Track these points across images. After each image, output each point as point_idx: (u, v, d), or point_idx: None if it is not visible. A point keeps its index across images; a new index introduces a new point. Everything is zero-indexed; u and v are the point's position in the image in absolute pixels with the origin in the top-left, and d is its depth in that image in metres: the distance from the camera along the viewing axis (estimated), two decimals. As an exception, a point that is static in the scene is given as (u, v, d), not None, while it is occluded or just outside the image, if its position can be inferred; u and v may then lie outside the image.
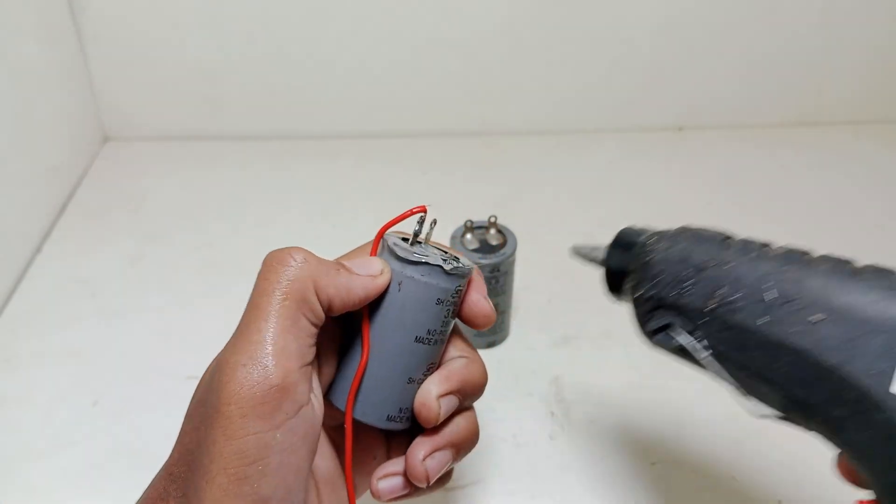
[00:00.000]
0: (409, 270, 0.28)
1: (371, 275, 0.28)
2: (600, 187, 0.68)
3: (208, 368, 0.28)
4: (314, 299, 0.27)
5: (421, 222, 0.30)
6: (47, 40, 0.63)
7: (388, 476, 0.31)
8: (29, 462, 0.44)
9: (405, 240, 0.30)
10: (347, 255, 0.31)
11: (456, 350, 0.31)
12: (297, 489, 0.26)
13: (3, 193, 0.56)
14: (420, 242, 0.30)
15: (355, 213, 0.64)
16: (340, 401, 0.30)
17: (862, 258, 0.64)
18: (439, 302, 0.29)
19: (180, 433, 0.27)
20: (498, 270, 0.47)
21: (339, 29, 0.68)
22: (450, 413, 0.30)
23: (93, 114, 0.71)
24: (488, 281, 0.47)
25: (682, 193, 0.67)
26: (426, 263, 0.28)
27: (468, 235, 0.48)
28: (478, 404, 0.48)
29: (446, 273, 0.28)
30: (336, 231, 0.62)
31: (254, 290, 0.27)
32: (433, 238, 0.31)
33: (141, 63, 0.70)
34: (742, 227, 0.62)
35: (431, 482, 0.30)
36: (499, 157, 0.72)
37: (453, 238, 0.49)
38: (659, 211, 0.65)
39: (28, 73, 0.61)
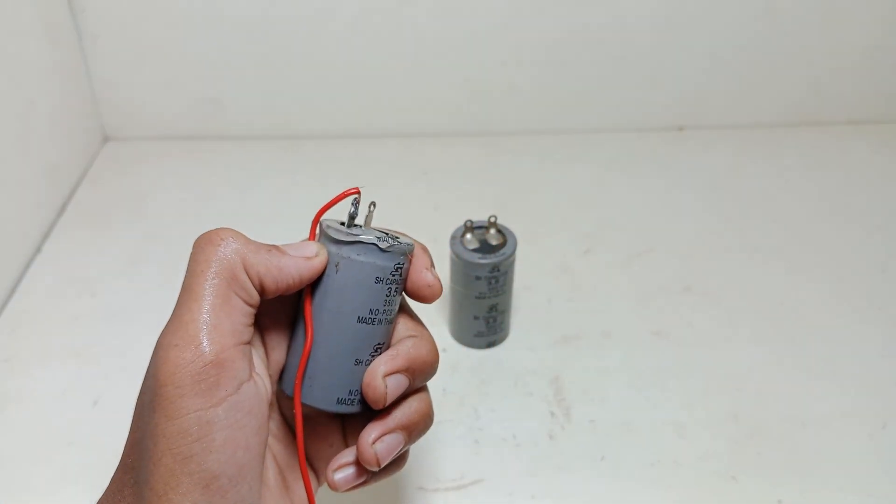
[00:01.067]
0: (345, 251, 0.29)
1: (305, 256, 0.29)
2: (600, 187, 0.68)
3: None
4: (244, 277, 0.27)
5: (355, 204, 0.30)
6: (47, 40, 0.63)
7: (342, 467, 0.30)
8: (29, 462, 0.44)
9: (343, 224, 0.30)
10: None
11: (405, 329, 0.31)
12: (250, 467, 0.26)
13: (2, 193, 0.57)
14: (359, 226, 0.30)
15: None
16: (289, 387, 0.30)
17: (862, 258, 0.64)
18: (378, 280, 0.29)
19: (131, 425, 0.28)
20: (498, 270, 0.47)
21: (339, 29, 0.68)
22: (399, 393, 0.29)
23: (93, 113, 0.71)
24: (488, 281, 0.47)
25: (681, 193, 0.67)
26: (360, 242, 0.28)
27: (468, 235, 0.48)
28: (477, 404, 0.48)
29: (382, 251, 0.29)
30: (336, 231, 0.62)
31: (186, 272, 0.27)
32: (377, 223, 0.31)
33: (141, 62, 0.70)
34: (741, 227, 0.63)
35: (381, 465, 0.29)
36: (499, 157, 0.72)
37: (453, 238, 0.49)
38: (658, 211, 0.65)
39: (28, 72, 0.61)
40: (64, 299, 0.56)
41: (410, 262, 0.30)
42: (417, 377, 0.30)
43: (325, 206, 0.30)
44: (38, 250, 0.60)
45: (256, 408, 0.27)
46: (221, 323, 0.26)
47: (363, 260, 0.29)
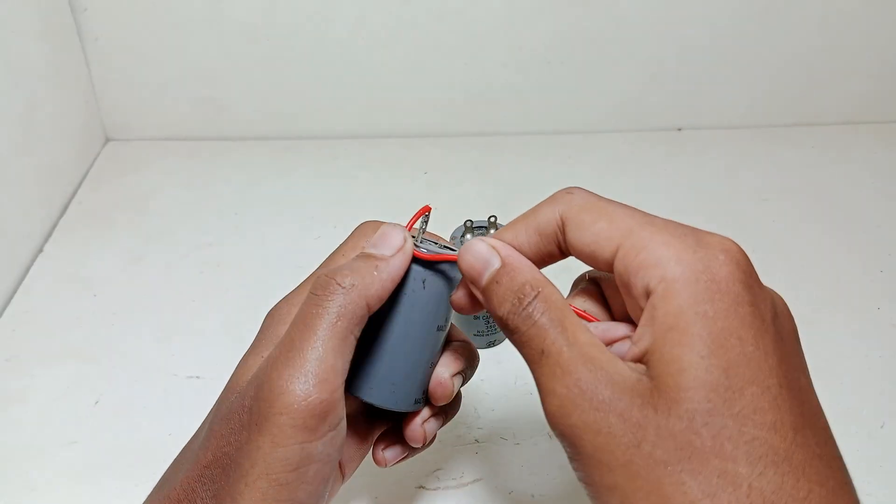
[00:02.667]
0: (433, 267, 0.31)
1: (399, 248, 0.30)
2: (600, 187, 0.67)
3: (237, 373, 0.29)
4: (365, 314, 0.29)
5: (425, 220, 0.32)
6: (48, 41, 0.64)
7: (389, 446, 0.34)
8: (30, 461, 0.44)
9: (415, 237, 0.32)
10: (332, 258, 0.32)
11: (455, 333, 0.34)
12: (324, 495, 0.28)
13: (4, 193, 0.57)
14: (426, 240, 0.32)
15: (356, 214, 0.64)
16: (374, 394, 0.31)
17: (861, 258, 0.64)
18: (450, 289, 0.32)
19: (211, 435, 0.28)
20: (498, 270, 0.47)
21: (340, 30, 0.68)
22: (458, 388, 0.33)
23: (94, 114, 0.71)
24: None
25: (681, 194, 0.67)
26: (445, 260, 0.31)
27: (468, 235, 0.48)
28: (477, 403, 0.48)
29: (453, 265, 0.31)
30: (337, 231, 0.61)
31: (305, 309, 0.28)
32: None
33: (142, 64, 0.70)
34: (741, 227, 0.63)
35: (427, 443, 0.33)
36: (499, 157, 0.72)
37: (453, 238, 0.49)
38: (658, 211, 0.65)
39: (29, 73, 0.61)
40: (65, 299, 0.56)
41: None
42: (468, 373, 0.34)
43: (409, 223, 0.32)
44: (39, 250, 0.60)
45: (342, 443, 0.29)
46: (337, 363, 0.27)
47: (450, 275, 0.31)
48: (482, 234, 0.49)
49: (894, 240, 0.61)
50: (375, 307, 0.29)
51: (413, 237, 0.31)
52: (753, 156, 0.72)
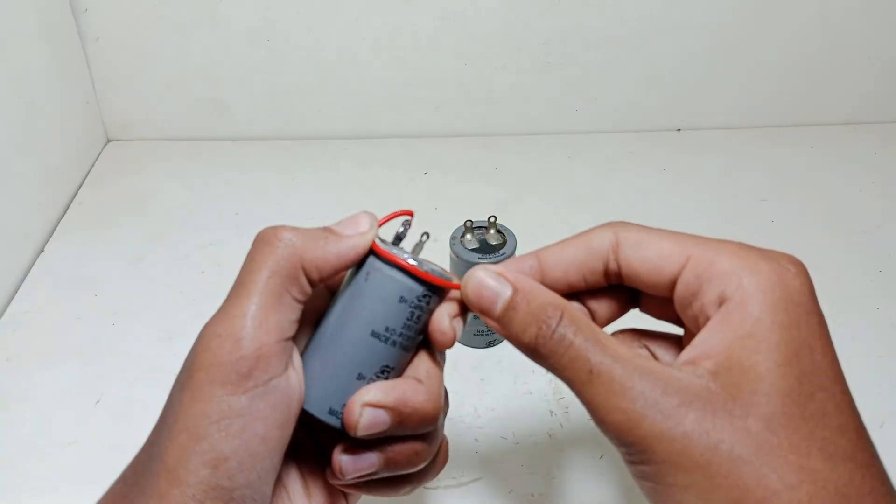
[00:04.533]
0: (381, 262, 0.28)
1: (360, 232, 0.29)
2: (599, 188, 0.68)
3: None
4: (302, 277, 0.28)
5: (405, 225, 0.30)
6: (49, 42, 0.64)
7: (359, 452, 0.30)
8: (31, 461, 0.44)
9: (391, 242, 0.30)
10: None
11: (416, 370, 0.30)
12: (264, 458, 0.26)
13: (5, 194, 0.57)
14: (402, 249, 0.29)
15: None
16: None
17: (861, 258, 0.64)
18: (403, 300, 0.28)
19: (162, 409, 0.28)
20: (497, 270, 0.47)
21: (340, 31, 0.68)
22: (374, 430, 0.28)
23: (95, 115, 0.72)
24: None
25: (680, 194, 0.67)
26: (398, 258, 0.28)
27: (468, 235, 0.48)
28: (477, 403, 0.48)
29: (413, 274, 0.28)
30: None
31: (242, 267, 0.28)
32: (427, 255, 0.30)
33: (142, 64, 0.70)
34: (740, 227, 0.63)
35: (344, 479, 0.29)
36: (499, 157, 0.72)
37: (453, 238, 0.49)
38: (657, 211, 0.65)
39: (30, 74, 0.61)
40: (66, 299, 0.56)
41: (442, 300, 0.29)
42: (405, 423, 0.28)
43: (381, 221, 0.30)
44: (40, 250, 0.60)
45: (284, 403, 0.27)
46: (268, 320, 0.27)
47: (393, 275, 0.28)
48: (482, 234, 0.49)
49: (894, 240, 0.61)
50: (314, 277, 0.28)
51: (408, 252, 0.29)
52: (753, 156, 0.72)
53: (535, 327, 0.27)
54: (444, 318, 0.29)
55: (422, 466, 0.30)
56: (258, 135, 0.74)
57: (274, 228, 0.28)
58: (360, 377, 0.29)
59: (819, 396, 0.24)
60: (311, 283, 0.28)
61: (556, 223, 0.63)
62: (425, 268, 0.28)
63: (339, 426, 0.29)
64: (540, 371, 0.50)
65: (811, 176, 0.69)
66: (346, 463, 0.28)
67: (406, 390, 0.28)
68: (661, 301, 0.30)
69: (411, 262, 0.28)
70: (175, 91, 0.71)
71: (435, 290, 0.29)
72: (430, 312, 0.29)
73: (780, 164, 0.71)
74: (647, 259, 0.28)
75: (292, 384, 0.28)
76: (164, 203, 0.66)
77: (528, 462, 0.44)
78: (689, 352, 0.26)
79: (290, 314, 0.27)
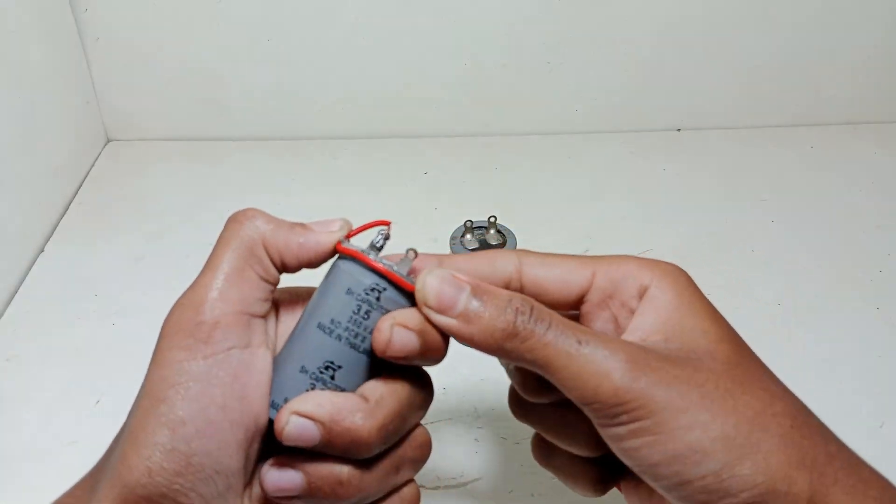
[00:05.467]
0: (338, 258, 0.30)
1: (329, 230, 0.30)
2: (599, 188, 0.68)
3: None
4: (262, 253, 0.29)
5: (383, 236, 0.30)
6: (49, 42, 0.64)
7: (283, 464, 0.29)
8: (31, 461, 0.44)
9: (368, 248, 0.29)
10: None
11: (369, 390, 0.28)
12: (223, 427, 0.26)
13: (6, 194, 0.57)
14: (367, 249, 0.29)
15: (356, 214, 0.64)
16: None
17: (861, 258, 0.64)
18: (350, 292, 0.28)
19: None
20: (497, 270, 0.47)
21: (340, 31, 0.68)
22: (299, 442, 0.27)
23: (95, 115, 0.72)
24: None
25: (680, 194, 0.67)
26: (351, 253, 0.29)
27: (468, 235, 0.49)
28: (477, 403, 0.48)
29: (363, 264, 0.28)
30: (337, 231, 0.62)
31: (214, 245, 0.30)
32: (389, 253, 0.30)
33: (143, 64, 0.70)
34: (740, 227, 0.63)
35: (268, 493, 0.28)
36: (499, 157, 0.72)
37: (453, 238, 0.49)
38: (657, 211, 0.65)
39: (30, 74, 0.61)
40: (66, 299, 0.56)
41: (400, 307, 0.29)
42: (334, 442, 0.27)
43: (356, 230, 0.31)
44: (40, 250, 0.60)
45: (245, 376, 0.28)
46: (229, 292, 0.28)
47: (343, 267, 0.29)
48: (482, 234, 0.49)
49: (894, 240, 0.61)
50: (277, 261, 0.29)
51: (373, 249, 0.29)
52: (753, 156, 0.72)
53: (512, 314, 0.28)
54: (387, 319, 0.28)
55: None
56: (258, 135, 0.74)
57: (245, 210, 0.30)
58: (303, 370, 0.28)
59: (743, 343, 0.30)
60: (276, 267, 0.30)
61: (555, 223, 0.63)
62: (380, 262, 0.28)
63: (273, 415, 0.28)
64: (540, 371, 0.50)
65: (811, 176, 0.69)
66: (269, 477, 0.27)
67: (343, 407, 0.27)
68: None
69: (367, 255, 0.28)
70: (175, 91, 0.71)
71: (384, 284, 0.28)
72: (384, 313, 0.28)
73: (780, 164, 0.71)
74: (555, 276, 0.31)
75: (257, 361, 0.28)
76: (164, 203, 0.66)
77: (528, 462, 0.44)
78: (629, 336, 0.30)
79: (254, 291, 0.29)
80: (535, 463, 0.44)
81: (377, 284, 0.28)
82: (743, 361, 0.28)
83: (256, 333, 0.29)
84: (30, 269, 0.59)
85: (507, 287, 0.31)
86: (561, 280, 0.31)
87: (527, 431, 0.46)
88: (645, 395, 0.26)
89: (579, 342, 0.27)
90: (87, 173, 0.69)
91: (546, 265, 0.31)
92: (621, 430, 0.27)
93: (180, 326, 0.27)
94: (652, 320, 0.29)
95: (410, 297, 0.29)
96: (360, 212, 0.68)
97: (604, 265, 0.31)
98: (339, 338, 0.28)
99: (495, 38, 0.70)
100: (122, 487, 0.26)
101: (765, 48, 0.71)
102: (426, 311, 0.28)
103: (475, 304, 0.28)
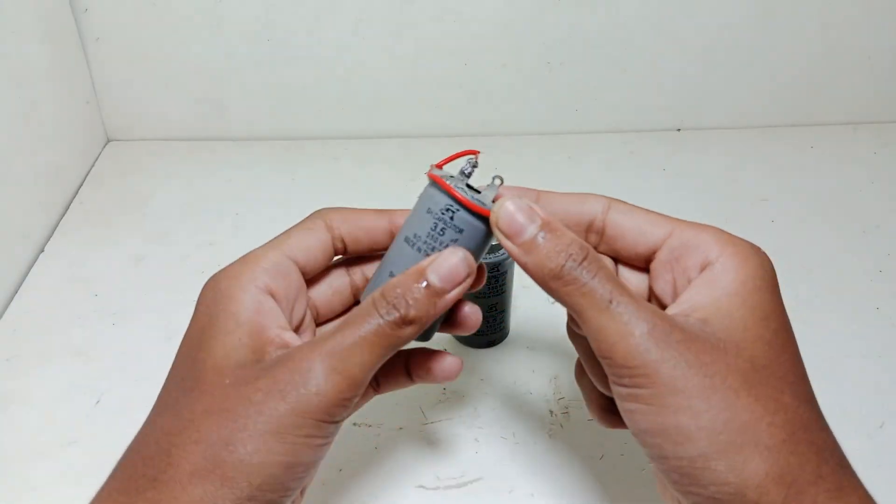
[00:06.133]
0: (428, 184, 0.33)
1: (458, 284, 0.31)
2: (600, 187, 0.67)
3: (212, 350, 0.31)
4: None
5: (472, 164, 0.34)
6: (49, 41, 0.64)
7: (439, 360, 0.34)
8: (30, 461, 0.44)
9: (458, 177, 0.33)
10: (257, 262, 0.33)
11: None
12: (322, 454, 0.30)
13: (5, 194, 0.57)
14: (471, 187, 0.33)
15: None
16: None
17: (860, 257, 0.64)
18: (429, 211, 0.32)
19: (203, 394, 0.31)
20: (497, 270, 0.47)
21: (340, 30, 0.68)
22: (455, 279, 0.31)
23: (95, 115, 0.72)
24: (488, 280, 0.47)
25: (680, 194, 0.67)
26: (432, 178, 0.32)
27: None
28: (477, 403, 0.48)
29: (440, 187, 0.31)
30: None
31: (366, 322, 0.30)
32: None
33: (143, 64, 0.70)
34: (740, 227, 0.63)
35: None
36: (498, 157, 0.72)
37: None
38: (658, 211, 0.65)
39: (30, 74, 0.61)
40: (66, 299, 0.56)
41: (482, 220, 0.32)
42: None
43: (446, 159, 0.34)
44: (40, 250, 0.60)
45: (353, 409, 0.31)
46: (368, 376, 0.30)
47: (427, 190, 0.32)
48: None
49: (894, 240, 0.61)
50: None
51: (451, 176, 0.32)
52: (753, 156, 0.72)
53: (564, 257, 0.29)
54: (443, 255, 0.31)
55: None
56: (258, 135, 0.74)
57: (400, 307, 0.30)
58: (391, 275, 0.32)
59: (788, 349, 0.29)
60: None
61: (556, 223, 0.63)
62: (456, 186, 0.31)
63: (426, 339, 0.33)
64: (540, 371, 0.50)
65: (811, 176, 0.69)
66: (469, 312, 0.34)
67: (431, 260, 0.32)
68: (628, 266, 0.35)
69: (445, 179, 0.31)
70: (175, 91, 0.71)
71: (456, 206, 0.31)
72: (458, 232, 0.32)
73: (780, 164, 0.71)
74: (634, 225, 0.33)
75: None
76: (164, 203, 0.66)
77: (528, 462, 0.44)
78: (677, 306, 0.30)
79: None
80: (536, 463, 0.44)
81: (450, 206, 0.32)
82: (770, 366, 0.28)
83: None
84: (30, 268, 0.59)
85: (590, 227, 0.34)
86: (638, 230, 0.33)
87: (527, 432, 0.46)
88: (651, 365, 0.27)
89: (611, 300, 0.28)
90: (87, 173, 0.69)
91: (630, 214, 0.33)
92: (623, 390, 0.28)
93: (333, 396, 0.28)
94: (701, 298, 0.30)
95: (485, 220, 0.32)
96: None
97: (683, 228, 0.32)
98: (419, 249, 0.32)
99: (495, 38, 0.70)
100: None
101: (765, 48, 0.71)
102: (496, 231, 0.31)
103: (540, 237, 0.30)
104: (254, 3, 0.66)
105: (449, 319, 0.34)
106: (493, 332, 0.51)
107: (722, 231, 0.32)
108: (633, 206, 0.34)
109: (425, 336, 0.33)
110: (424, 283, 0.30)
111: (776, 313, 0.30)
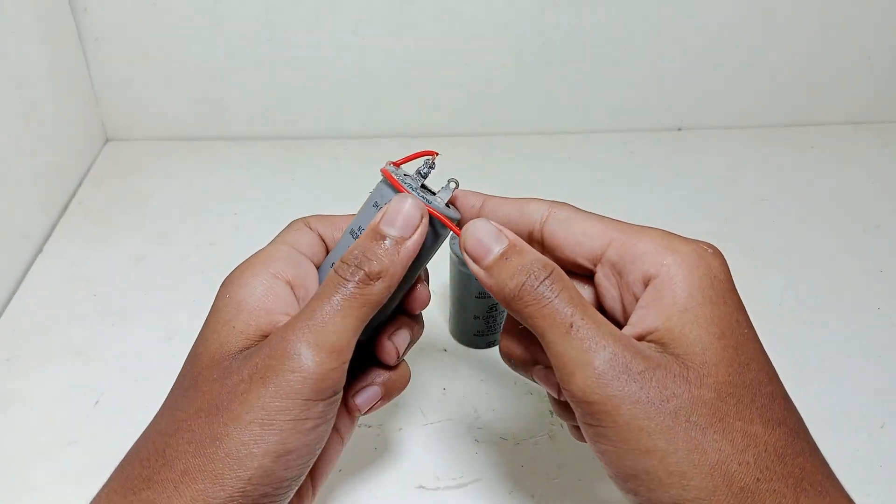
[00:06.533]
0: (380, 181, 0.33)
1: (415, 227, 0.31)
2: (600, 187, 0.68)
3: (212, 342, 0.31)
4: (386, 297, 0.31)
5: (429, 165, 0.33)
6: (48, 41, 0.64)
7: (360, 391, 0.34)
8: (30, 461, 0.44)
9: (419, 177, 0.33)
10: (273, 252, 0.33)
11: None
12: (317, 450, 0.30)
13: (4, 193, 0.57)
14: (426, 188, 0.33)
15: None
16: None
17: (860, 257, 0.64)
18: (376, 205, 0.32)
19: (196, 394, 0.30)
20: (498, 270, 0.47)
21: (340, 30, 0.68)
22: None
23: (94, 114, 0.72)
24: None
25: (680, 194, 0.67)
26: (384, 173, 0.32)
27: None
28: (477, 403, 0.48)
29: (388, 183, 0.32)
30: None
31: (332, 288, 0.30)
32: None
33: (142, 64, 0.70)
34: (741, 227, 0.63)
35: (400, 355, 0.34)
36: (499, 157, 0.72)
37: (452, 237, 0.49)
38: (658, 211, 0.65)
39: (29, 73, 0.61)
40: (65, 299, 0.56)
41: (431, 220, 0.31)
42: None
43: (404, 159, 0.34)
44: (39, 250, 0.60)
45: (337, 408, 0.30)
46: (352, 341, 0.29)
47: (379, 185, 0.32)
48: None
49: (894, 240, 0.61)
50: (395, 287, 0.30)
51: (405, 176, 0.32)
52: (753, 156, 0.72)
53: (524, 276, 0.28)
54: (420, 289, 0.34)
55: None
56: (258, 134, 0.74)
57: (360, 264, 0.29)
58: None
59: (753, 367, 0.27)
60: None
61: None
62: (407, 185, 0.31)
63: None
64: (540, 371, 0.50)
65: (811, 176, 0.69)
66: (398, 341, 0.34)
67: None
68: (575, 277, 0.33)
69: (398, 178, 0.31)
70: (175, 91, 0.71)
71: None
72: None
73: (780, 164, 0.71)
74: (570, 235, 0.31)
75: (342, 392, 0.30)
76: (164, 203, 0.66)
77: (528, 463, 0.44)
78: (631, 328, 0.28)
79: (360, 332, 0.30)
80: (536, 463, 0.44)
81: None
82: (736, 392, 0.26)
83: None
84: (29, 268, 0.58)
85: (529, 235, 0.32)
86: (574, 241, 0.31)
87: (527, 432, 0.46)
88: (611, 403, 0.26)
89: (571, 323, 0.27)
90: (87, 173, 0.69)
91: (568, 223, 0.31)
92: (589, 429, 0.27)
93: (314, 366, 0.27)
94: (650, 318, 0.27)
95: (436, 221, 0.32)
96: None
97: (622, 237, 0.30)
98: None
99: (495, 38, 0.69)
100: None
101: (765, 48, 0.71)
102: (463, 254, 0.31)
103: (503, 259, 0.29)
104: (254, 3, 0.66)
105: (404, 300, 0.34)
106: (493, 333, 0.51)
107: (663, 235, 0.29)
108: (575, 211, 0.32)
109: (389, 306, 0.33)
110: (385, 240, 0.30)
111: (734, 325, 0.27)
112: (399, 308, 0.34)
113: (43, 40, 0.63)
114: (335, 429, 0.34)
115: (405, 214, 0.30)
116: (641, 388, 0.25)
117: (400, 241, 0.30)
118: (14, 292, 0.56)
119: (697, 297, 0.27)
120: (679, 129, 0.76)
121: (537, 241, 0.32)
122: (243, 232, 0.61)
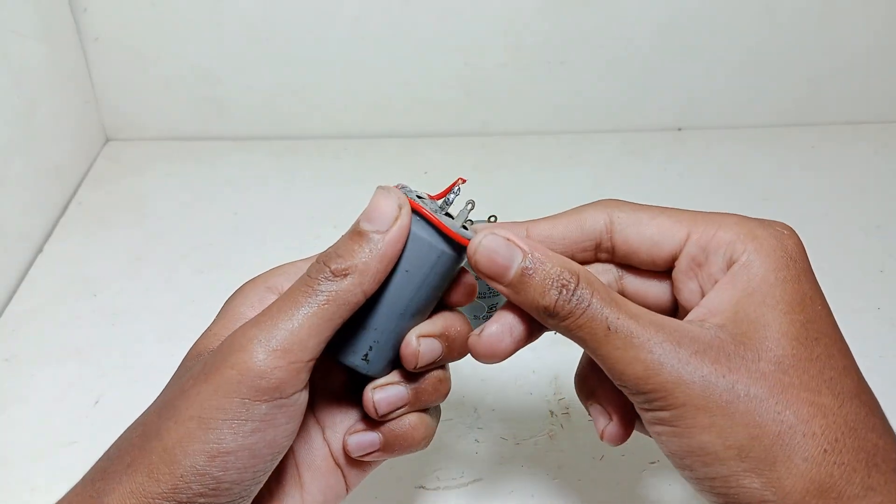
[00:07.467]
0: (423, 225, 0.30)
1: (393, 220, 0.29)
2: (600, 187, 0.68)
3: (196, 347, 0.30)
4: (361, 301, 0.29)
5: (455, 193, 0.32)
6: (48, 41, 0.64)
7: (356, 432, 0.32)
8: (29, 461, 0.44)
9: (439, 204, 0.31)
10: (282, 268, 0.32)
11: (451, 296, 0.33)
12: (266, 461, 0.28)
13: (4, 193, 0.57)
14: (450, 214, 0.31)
15: (356, 214, 0.64)
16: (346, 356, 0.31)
17: (860, 257, 0.64)
18: (433, 257, 0.30)
19: (160, 395, 0.30)
20: (498, 270, 0.47)
21: (339, 30, 0.68)
22: (430, 358, 0.31)
23: (94, 114, 0.71)
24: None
25: (680, 194, 0.67)
26: (415, 207, 0.30)
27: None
28: (478, 403, 0.48)
29: (415, 211, 0.29)
30: (337, 231, 0.61)
31: (296, 286, 0.28)
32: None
33: (142, 63, 0.70)
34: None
35: (380, 414, 0.31)
36: (499, 157, 0.72)
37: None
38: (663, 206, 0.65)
39: (29, 73, 0.61)
40: (65, 299, 0.56)
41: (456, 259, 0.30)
42: (452, 349, 0.32)
43: (442, 193, 0.32)
44: (39, 250, 0.60)
45: (298, 414, 0.28)
46: (309, 341, 0.27)
47: (415, 231, 0.30)
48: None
49: (894, 240, 0.61)
50: (372, 291, 0.28)
51: (419, 197, 0.31)
52: (753, 156, 0.72)
53: (557, 290, 0.27)
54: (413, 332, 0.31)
55: (443, 397, 0.33)
56: (258, 134, 0.74)
57: (327, 261, 0.29)
58: (405, 329, 0.31)
59: (823, 341, 0.26)
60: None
61: (556, 223, 0.63)
62: (430, 210, 0.29)
63: (365, 370, 0.30)
64: (540, 371, 0.50)
65: (811, 176, 0.69)
66: (379, 398, 0.30)
67: (441, 317, 0.32)
68: (648, 275, 0.32)
69: (409, 194, 0.29)
70: (175, 91, 0.71)
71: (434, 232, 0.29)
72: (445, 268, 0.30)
73: (780, 164, 0.71)
74: (646, 237, 0.30)
75: (305, 397, 0.28)
76: (163, 203, 0.66)
77: (528, 462, 0.44)
78: (695, 312, 0.28)
79: (329, 336, 0.28)
80: (536, 463, 0.44)
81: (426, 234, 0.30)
82: (801, 364, 0.26)
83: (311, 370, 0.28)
84: (29, 268, 0.58)
85: (598, 247, 0.31)
86: (654, 242, 0.30)
87: (527, 432, 0.46)
88: (665, 388, 0.26)
89: (608, 328, 0.27)
90: (87, 173, 0.69)
91: (639, 225, 0.30)
92: (647, 415, 0.27)
93: (254, 363, 0.26)
94: (722, 299, 0.27)
95: (448, 242, 0.30)
96: (360, 212, 0.67)
97: (700, 227, 0.29)
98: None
99: (495, 38, 0.69)
100: (142, 498, 0.26)
101: (765, 48, 0.71)
102: (479, 275, 0.29)
103: (527, 273, 0.28)
104: (254, 3, 0.66)
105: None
106: (493, 333, 0.51)
107: (741, 221, 0.29)
108: (635, 208, 0.31)
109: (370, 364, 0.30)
110: (361, 236, 0.29)
111: (805, 301, 0.27)
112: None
113: (43, 40, 0.63)
114: (338, 465, 0.33)
115: (379, 208, 0.29)
116: (695, 369, 0.26)
117: (372, 236, 0.29)
118: (14, 292, 0.56)
119: (770, 279, 0.27)
120: (679, 129, 0.76)
121: (606, 251, 0.31)
122: (243, 232, 0.61)
